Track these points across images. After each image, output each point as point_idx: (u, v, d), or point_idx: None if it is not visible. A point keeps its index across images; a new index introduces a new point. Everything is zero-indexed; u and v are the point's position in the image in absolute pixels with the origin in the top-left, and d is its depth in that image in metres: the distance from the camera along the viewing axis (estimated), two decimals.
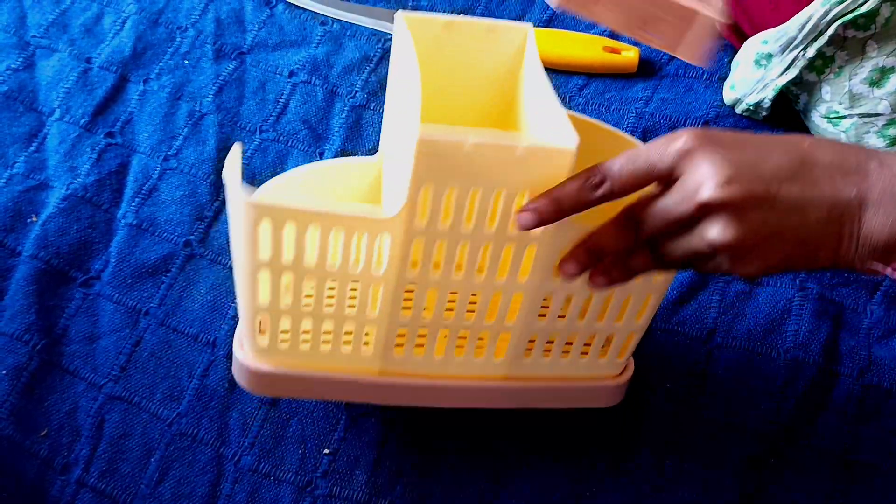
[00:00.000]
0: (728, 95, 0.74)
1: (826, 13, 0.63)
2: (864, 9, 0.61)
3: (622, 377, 0.56)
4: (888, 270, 0.41)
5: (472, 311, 0.49)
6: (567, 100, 0.76)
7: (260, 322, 0.50)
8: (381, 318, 0.49)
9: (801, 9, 0.66)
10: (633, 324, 0.52)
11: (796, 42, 0.66)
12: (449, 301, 0.48)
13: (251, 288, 0.47)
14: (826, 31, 0.64)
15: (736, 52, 0.75)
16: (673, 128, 0.73)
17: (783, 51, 0.67)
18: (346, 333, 0.50)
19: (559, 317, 0.50)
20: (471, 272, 0.47)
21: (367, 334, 0.50)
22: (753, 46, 0.70)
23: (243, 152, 0.73)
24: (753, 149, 0.40)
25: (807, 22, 0.64)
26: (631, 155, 0.42)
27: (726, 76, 0.76)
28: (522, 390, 0.54)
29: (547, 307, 0.50)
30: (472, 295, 0.48)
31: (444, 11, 0.82)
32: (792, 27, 0.66)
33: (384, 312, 0.48)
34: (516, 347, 0.52)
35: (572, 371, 0.54)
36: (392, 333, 0.50)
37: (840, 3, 0.62)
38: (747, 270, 0.41)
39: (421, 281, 0.47)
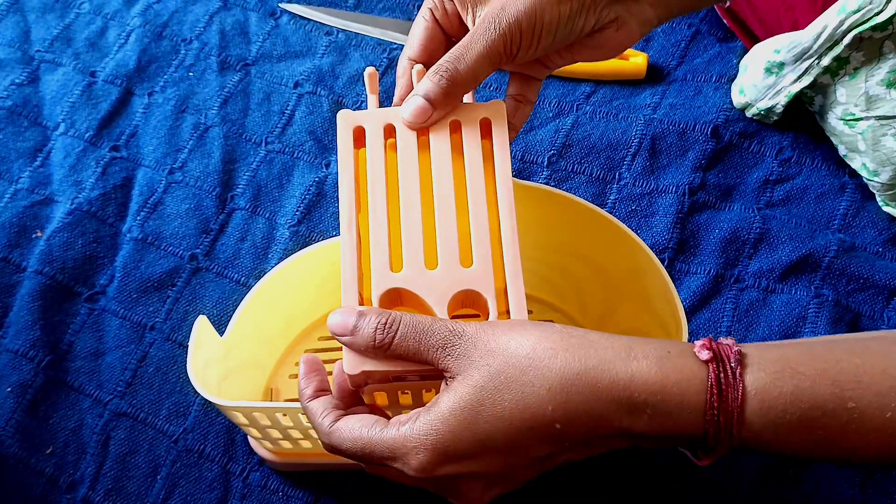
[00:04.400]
0: (737, 99, 0.73)
1: (841, 22, 0.62)
2: (880, 18, 0.60)
3: None
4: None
5: None
6: (575, 108, 0.75)
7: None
8: None
9: (815, 9, 0.65)
10: None
11: (811, 52, 0.65)
12: None
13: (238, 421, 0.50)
14: (842, 40, 0.62)
15: (745, 51, 0.74)
16: (681, 134, 0.72)
17: (796, 60, 0.66)
18: None
19: None
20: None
21: None
22: (763, 54, 0.69)
23: (248, 165, 0.72)
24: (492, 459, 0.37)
25: (822, 32, 0.63)
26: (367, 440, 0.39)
27: (735, 78, 0.75)
28: None
29: None
30: None
31: None
32: (806, 37, 0.64)
33: None
34: None
35: None
36: None
37: (856, 13, 0.61)
38: None
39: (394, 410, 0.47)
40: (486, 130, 0.46)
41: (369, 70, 0.47)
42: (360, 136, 0.46)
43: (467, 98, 0.48)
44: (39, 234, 0.68)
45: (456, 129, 0.46)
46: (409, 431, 0.37)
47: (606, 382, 0.36)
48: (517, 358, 0.37)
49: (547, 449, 0.37)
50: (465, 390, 0.37)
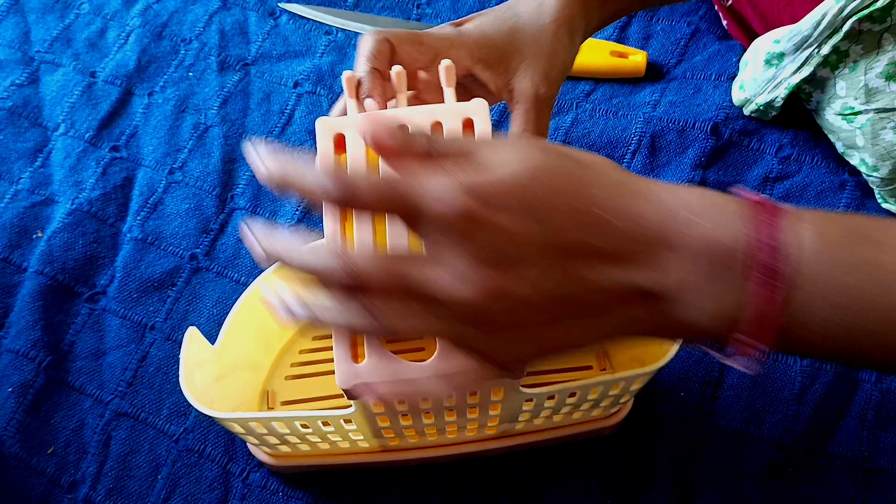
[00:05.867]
0: (737, 96, 0.73)
1: (841, 10, 0.62)
2: (879, 3, 0.60)
3: (622, 412, 0.57)
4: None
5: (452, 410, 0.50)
6: (574, 106, 0.75)
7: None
8: (364, 430, 0.50)
9: (816, 2, 0.65)
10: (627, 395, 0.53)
11: (811, 41, 0.65)
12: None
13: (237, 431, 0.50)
14: (842, 27, 0.62)
15: (744, 49, 0.74)
16: (681, 132, 0.72)
17: (796, 50, 0.66)
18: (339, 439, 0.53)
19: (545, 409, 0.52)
20: (440, 416, 0.49)
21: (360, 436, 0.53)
22: (763, 46, 0.69)
23: (248, 165, 0.72)
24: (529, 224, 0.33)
25: (821, 20, 0.63)
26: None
27: (735, 75, 0.74)
28: (519, 444, 0.57)
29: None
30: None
31: (448, 19, 0.82)
32: (805, 26, 0.64)
33: (364, 429, 0.50)
34: (507, 424, 0.53)
35: (567, 420, 0.56)
36: (378, 435, 0.52)
37: None
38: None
39: (391, 414, 0.47)
40: (468, 130, 0.45)
41: (346, 74, 0.47)
42: (340, 143, 0.45)
43: (448, 98, 0.47)
44: (40, 234, 0.68)
45: (437, 130, 0.45)
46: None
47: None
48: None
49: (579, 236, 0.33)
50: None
